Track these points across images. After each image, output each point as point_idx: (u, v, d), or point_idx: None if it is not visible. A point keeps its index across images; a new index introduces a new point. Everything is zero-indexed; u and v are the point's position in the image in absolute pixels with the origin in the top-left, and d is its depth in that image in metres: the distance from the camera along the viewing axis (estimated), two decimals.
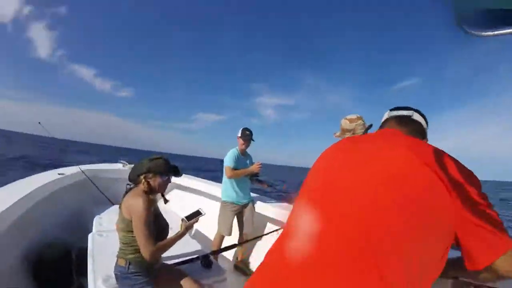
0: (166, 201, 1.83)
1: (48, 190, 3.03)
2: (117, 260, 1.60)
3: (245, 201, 3.07)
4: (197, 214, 1.77)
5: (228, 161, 2.97)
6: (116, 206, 2.26)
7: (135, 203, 1.51)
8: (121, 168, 4.61)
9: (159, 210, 1.73)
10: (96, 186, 3.80)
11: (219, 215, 3.02)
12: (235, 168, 2.94)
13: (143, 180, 1.61)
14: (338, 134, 1.96)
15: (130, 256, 1.55)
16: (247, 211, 3.08)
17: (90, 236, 2.18)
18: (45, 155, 20.89)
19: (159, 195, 1.73)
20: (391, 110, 0.98)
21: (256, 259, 2.99)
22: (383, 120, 0.99)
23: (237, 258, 3.03)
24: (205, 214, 1.80)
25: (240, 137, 3.08)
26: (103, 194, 3.73)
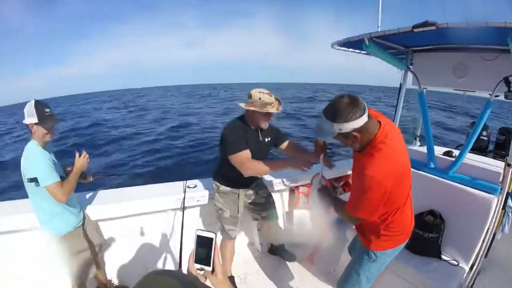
0: None
1: None
2: None
3: (81, 214, 1.97)
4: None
5: (46, 172, 1.58)
6: None
7: None
8: None
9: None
10: None
11: (70, 255, 1.78)
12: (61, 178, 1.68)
13: None
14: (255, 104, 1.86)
15: None
16: (89, 224, 2.02)
17: None
18: None
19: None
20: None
21: None
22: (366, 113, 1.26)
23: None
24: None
25: (38, 123, 1.60)
26: None
